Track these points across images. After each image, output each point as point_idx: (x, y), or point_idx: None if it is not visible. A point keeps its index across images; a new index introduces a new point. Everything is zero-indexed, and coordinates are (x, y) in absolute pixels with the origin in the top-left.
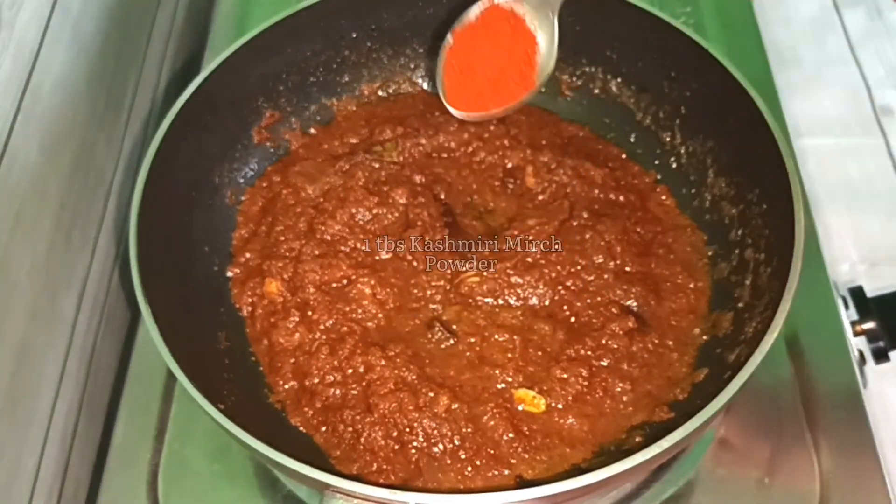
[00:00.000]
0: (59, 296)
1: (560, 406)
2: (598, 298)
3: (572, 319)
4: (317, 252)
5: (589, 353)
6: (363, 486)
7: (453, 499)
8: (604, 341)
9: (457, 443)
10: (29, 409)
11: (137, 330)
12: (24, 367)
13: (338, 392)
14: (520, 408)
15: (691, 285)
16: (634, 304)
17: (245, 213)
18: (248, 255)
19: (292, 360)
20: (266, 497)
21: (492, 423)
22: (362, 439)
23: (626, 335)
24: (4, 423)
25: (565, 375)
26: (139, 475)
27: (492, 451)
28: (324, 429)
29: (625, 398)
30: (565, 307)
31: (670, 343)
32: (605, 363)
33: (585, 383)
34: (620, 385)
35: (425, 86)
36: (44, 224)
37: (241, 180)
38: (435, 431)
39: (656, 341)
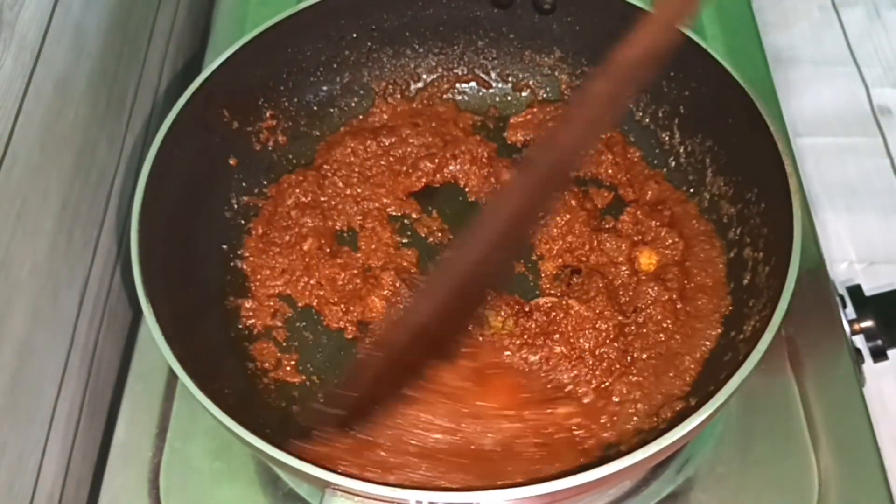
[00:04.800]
0: (61, 295)
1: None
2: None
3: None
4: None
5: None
6: (364, 483)
7: (453, 496)
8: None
9: None
10: (30, 407)
11: (139, 329)
12: (26, 365)
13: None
14: None
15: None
16: None
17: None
18: (244, 255)
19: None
20: (267, 495)
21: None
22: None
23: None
24: (6, 421)
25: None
26: (141, 473)
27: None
28: None
29: (686, 361)
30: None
31: (702, 298)
32: (666, 324)
33: (654, 361)
34: (677, 342)
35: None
36: (45, 223)
37: (243, 180)
38: None
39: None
